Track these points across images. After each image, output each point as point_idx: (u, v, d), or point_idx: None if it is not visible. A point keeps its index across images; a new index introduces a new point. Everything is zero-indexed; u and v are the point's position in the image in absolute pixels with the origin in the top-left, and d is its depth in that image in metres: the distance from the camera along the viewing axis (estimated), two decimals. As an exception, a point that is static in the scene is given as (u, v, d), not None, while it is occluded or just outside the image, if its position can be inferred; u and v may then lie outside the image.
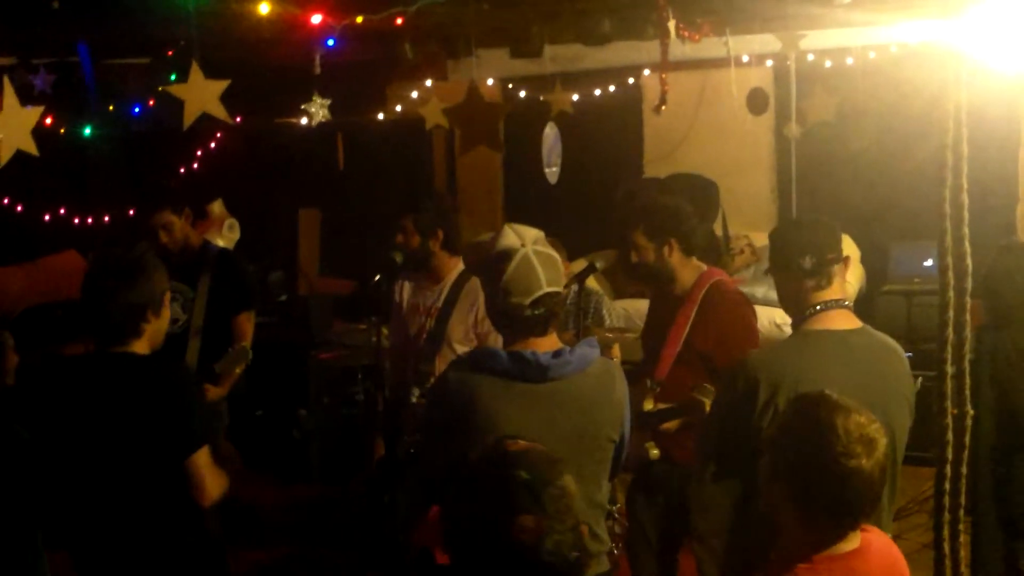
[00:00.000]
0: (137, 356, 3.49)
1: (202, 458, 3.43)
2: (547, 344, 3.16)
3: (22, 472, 3.90)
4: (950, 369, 1.93)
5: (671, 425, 4.29)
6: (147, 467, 3.37)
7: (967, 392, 1.94)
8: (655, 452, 4.51)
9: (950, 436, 1.89)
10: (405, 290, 5.28)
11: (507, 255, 3.12)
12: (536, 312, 3.11)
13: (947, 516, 1.89)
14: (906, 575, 2.72)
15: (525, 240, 3.14)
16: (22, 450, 3.88)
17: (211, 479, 3.45)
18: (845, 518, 2.57)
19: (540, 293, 3.10)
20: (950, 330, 1.90)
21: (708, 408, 4.19)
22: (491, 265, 3.17)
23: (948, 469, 1.91)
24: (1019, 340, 4.68)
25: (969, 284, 1.93)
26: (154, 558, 3.41)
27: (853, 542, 2.61)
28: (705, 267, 4.62)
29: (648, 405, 4.38)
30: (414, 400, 4.97)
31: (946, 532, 1.89)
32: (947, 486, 1.90)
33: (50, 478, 3.48)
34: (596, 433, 3.17)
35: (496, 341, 4.98)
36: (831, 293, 3.41)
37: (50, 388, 3.51)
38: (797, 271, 3.41)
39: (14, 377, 4.27)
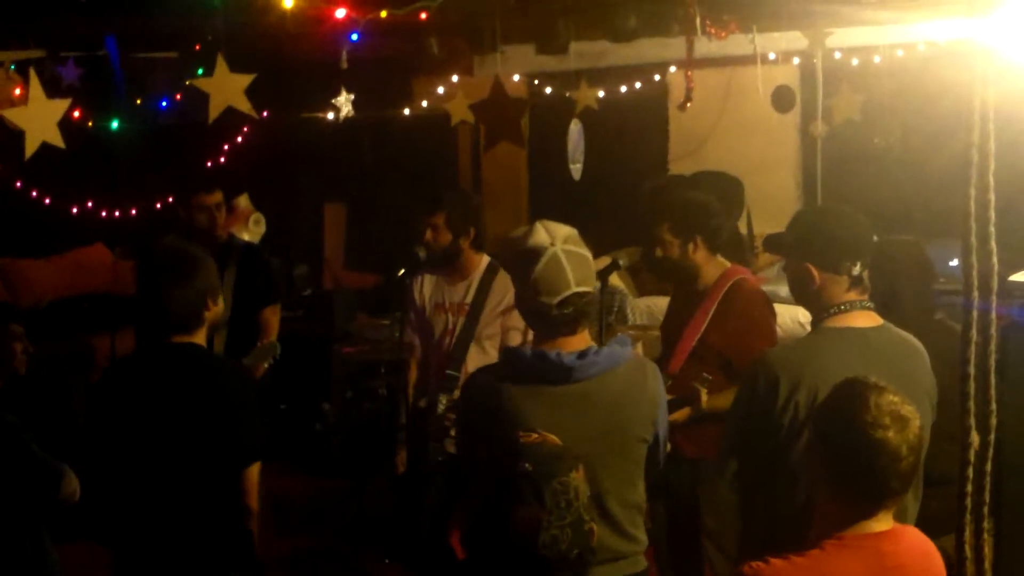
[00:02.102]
0: (210, 353, 3.55)
1: (255, 471, 3.45)
2: (576, 343, 3.12)
3: (18, 464, 3.94)
4: (973, 370, 1.92)
5: (678, 417, 4.28)
6: (206, 467, 3.38)
7: (992, 392, 1.93)
8: (666, 446, 4.52)
9: (974, 437, 1.89)
10: (426, 288, 5.25)
11: (537, 253, 3.08)
12: (564, 312, 3.07)
13: (969, 517, 1.88)
14: (940, 567, 2.73)
15: (556, 238, 3.10)
16: (15, 440, 3.93)
17: (256, 494, 3.49)
18: (873, 492, 2.60)
19: (568, 293, 3.06)
20: (974, 331, 1.90)
21: (704, 396, 4.21)
22: (520, 262, 3.13)
23: (971, 471, 1.90)
24: None
25: (995, 284, 1.92)
26: (197, 556, 3.41)
27: (884, 523, 2.64)
28: (728, 264, 4.61)
29: None
30: (441, 409, 4.95)
31: (969, 533, 1.88)
32: (970, 487, 1.89)
33: (105, 469, 3.51)
34: (626, 433, 3.13)
35: (516, 338, 5.03)
36: (858, 294, 3.39)
37: (123, 379, 3.55)
38: (844, 274, 3.35)
39: (26, 367, 4.30)
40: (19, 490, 3.94)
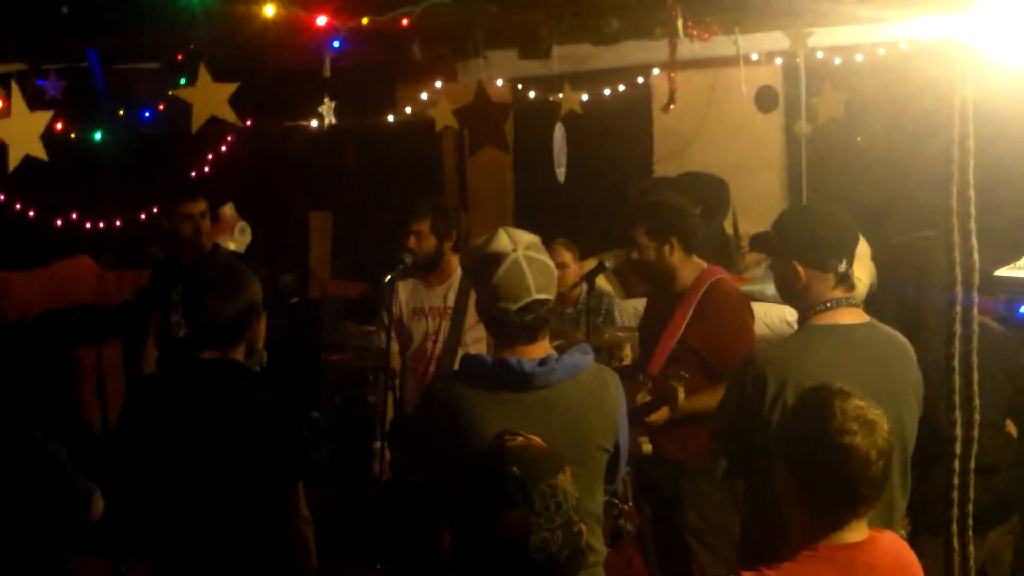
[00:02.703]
0: (250, 372, 3.51)
1: (297, 492, 3.44)
2: (535, 352, 3.11)
3: (52, 486, 3.90)
4: (958, 365, 1.92)
5: (658, 418, 4.31)
6: (246, 486, 3.35)
7: (975, 388, 1.94)
8: (647, 447, 4.54)
9: (959, 431, 1.89)
10: (402, 294, 5.25)
11: (497, 258, 3.08)
12: (525, 319, 3.07)
13: (956, 512, 1.89)
14: (918, 574, 2.71)
15: (518, 245, 3.09)
16: (48, 461, 3.89)
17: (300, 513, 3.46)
18: (844, 500, 2.58)
19: (529, 300, 3.06)
20: (957, 325, 1.90)
21: (681, 395, 4.22)
22: (481, 267, 3.12)
23: (957, 464, 1.91)
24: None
25: (976, 279, 1.93)
26: (240, 566, 3.38)
27: (859, 533, 2.62)
28: (705, 265, 4.63)
29: (641, 399, 4.41)
30: None
31: (955, 528, 1.89)
32: (956, 481, 1.90)
33: (142, 484, 3.47)
34: (586, 441, 3.12)
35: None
36: (844, 291, 3.40)
37: (160, 394, 3.50)
38: (830, 272, 3.37)
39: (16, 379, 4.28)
40: (50, 512, 3.91)
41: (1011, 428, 4.11)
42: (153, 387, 3.63)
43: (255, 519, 3.36)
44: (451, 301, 5.15)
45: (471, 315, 5.11)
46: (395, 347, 5.25)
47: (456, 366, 5.02)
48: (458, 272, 5.17)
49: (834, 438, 2.53)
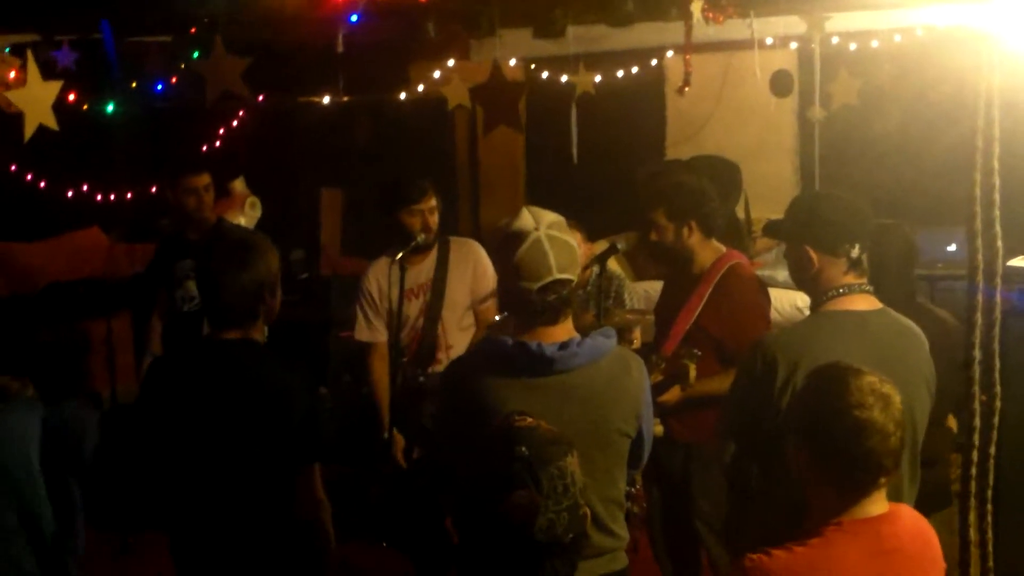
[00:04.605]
0: (268, 352, 3.43)
1: (316, 469, 3.37)
2: (557, 334, 3.08)
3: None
4: (978, 354, 1.91)
5: (670, 398, 4.28)
6: (263, 467, 3.30)
7: (996, 376, 1.93)
8: (659, 429, 4.53)
9: (977, 422, 1.88)
10: (382, 280, 5.23)
11: (520, 236, 3.05)
12: (546, 299, 3.04)
13: (973, 502, 1.88)
14: (936, 546, 2.74)
15: (540, 223, 3.06)
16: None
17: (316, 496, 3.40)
18: (866, 472, 2.60)
19: (550, 279, 3.03)
20: (979, 314, 1.89)
21: (693, 372, 4.21)
22: (504, 246, 3.10)
23: (975, 455, 1.89)
24: None
25: (999, 268, 1.92)
26: (256, 546, 3.35)
27: (880, 505, 2.64)
28: (724, 249, 4.61)
29: (654, 380, 4.38)
30: (421, 380, 5.10)
31: (972, 517, 1.88)
32: (974, 471, 1.89)
33: (160, 463, 3.43)
34: (606, 427, 3.10)
35: (491, 313, 5.08)
36: (856, 277, 3.39)
37: (172, 375, 3.46)
38: (843, 257, 3.36)
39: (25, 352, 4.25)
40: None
41: (952, 423, 4.14)
42: (172, 367, 3.56)
43: (271, 500, 3.33)
44: (431, 274, 5.19)
45: (454, 284, 5.19)
46: (384, 337, 5.25)
47: (438, 336, 5.15)
48: (435, 247, 5.21)
49: (852, 412, 2.55)
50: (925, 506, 3.07)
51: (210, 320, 3.43)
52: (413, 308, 5.21)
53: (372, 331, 5.29)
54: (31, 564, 3.61)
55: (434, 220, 5.16)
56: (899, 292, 3.93)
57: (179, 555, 3.46)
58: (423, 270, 5.21)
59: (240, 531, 3.33)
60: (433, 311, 5.19)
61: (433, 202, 5.15)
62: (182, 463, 3.35)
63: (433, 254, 5.24)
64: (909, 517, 2.75)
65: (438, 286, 5.19)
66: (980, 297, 1.89)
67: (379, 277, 5.23)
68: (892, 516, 2.66)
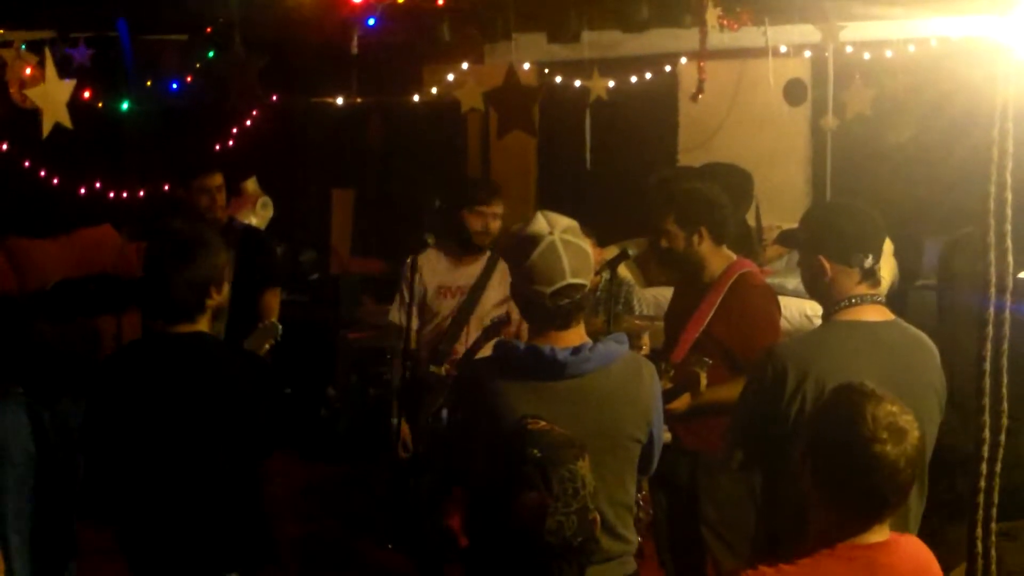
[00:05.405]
0: (218, 344, 3.46)
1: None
2: (570, 338, 3.08)
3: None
4: (988, 366, 1.91)
5: (678, 405, 4.27)
6: (214, 460, 3.32)
7: (1003, 390, 1.92)
8: (666, 436, 4.52)
9: (987, 434, 1.88)
10: (426, 273, 5.25)
11: (534, 240, 3.05)
12: (559, 303, 3.04)
13: (981, 515, 1.87)
14: None
15: (555, 227, 3.06)
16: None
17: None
18: (870, 506, 2.55)
19: (563, 283, 3.02)
20: (990, 327, 1.89)
21: (703, 380, 4.20)
22: (517, 249, 3.10)
23: (984, 467, 1.89)
24: None
25: (1010, 282, 1.92)
26: (205, 545, 3.37)
27: (880, 535, 2.59)
28: (735, 257, 4.60)
29: (663, 387, 4.38)
30: (432, 370, 5.13)
31: (979, 531, 1.87)
32: (983, 484, 1.89)
33: (109, 459, 3.44)
34: (618, 432, 3.09)
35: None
36: (869, 287, 3.39)
37: (124, 370, 3.46)
38: (856, 267, 3.36)
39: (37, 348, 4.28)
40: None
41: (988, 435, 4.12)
42: (123, 363, 3.55)
43: (230, 490, 3.35)
44: (476, 278, 5.21)
45: (491, 293, 5.20)
46: (414, 324, 5.26)
47: (459, 340, 5.16)
48: (487, 254, 5.22)
49: (863, 445, 2.47)
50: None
51: (158, 315, 3.43)
52: (446, 306, 5.24)
53: (404, 316, 5.29)
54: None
55: (496, 226, 5.21)
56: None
57: (130, 548, 3.46)
58: (467, 273, 5.25)
59: (197, 522, 3.34)
60: (463, 314, 5.22)
61: (499, 209, 5.22)
62: (136, 457, 3.35)
63: (483, 260, 5.27)
64: (909, 547, 2.67)
65: (476, 292, 5.23)
66: (992, 309, 1.89)
67: (424, 266, 5.25)
68: (890, 546, 2.60)
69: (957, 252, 5.36)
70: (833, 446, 2.56)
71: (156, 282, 3.39)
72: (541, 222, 3.09)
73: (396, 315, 5.31)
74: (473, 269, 5.25)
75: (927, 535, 2.94)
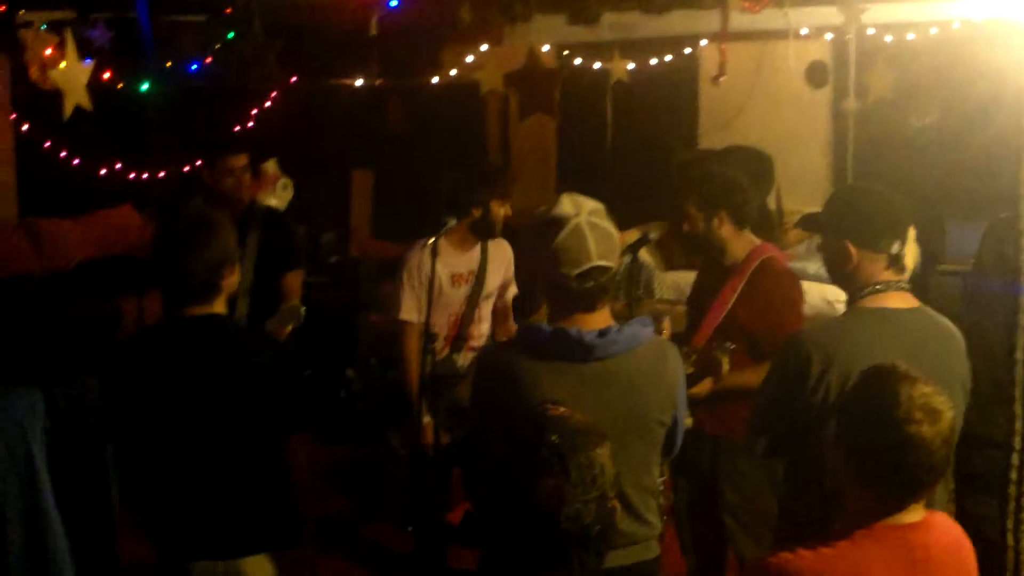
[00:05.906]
0: (233, 326, 3.44)
1: (296, 444, 3.36)
2: (595, 321, 3.05)
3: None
4: (1021, 355, 1.88)
5: (700, 390, 4.26)
6: (236, 439, 3.30)
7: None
8: (688, 421, 4.50)
9: (1020, 424, 1.86)
10: (436, 263, 5.22)
11: (559, 222, 3.02)
12: (585, 286, 3.01)
13: (1012, 505, 1.86)
14: (970, 559, 2.69)
15: (581, 210, 3.03)
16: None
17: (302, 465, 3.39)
18: (906, 487, 2.55)
19: (589, 265, 2.99)
20: (1022, 315, 1.86)
21: (726, 365, 4.18)
22: (542, 232, 3.06)
23: (1015, 458, 1.87)
24: None
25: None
26: (234, 523, 3.35)
27: (915, 515, 2.60)
28: (759, 241, 4.58)
29: (685, 372, 4.37)
30: (454, 357, 5.20)
31: (1010, 523, 1.86)
32: (1013, 475, 1.87)
33: (129, 443, 3.44)
34: (644, 415, 3.07)
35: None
36: (895, 273, 3.35)
37: (139, 354, 3.44)
38: (883, 253, 3.31)
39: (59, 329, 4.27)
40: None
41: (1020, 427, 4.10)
42: (140, 347, 3.53)
43: (249, 472, 3.33)
44: (476, 264, 5.28)
45: (491, 276, 5.30)
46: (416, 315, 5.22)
47: (473, 324, 5.23)
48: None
49: (899, 427, 2.48)
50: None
51: (171, 298, 3.42)
52: (459, 294, 5.24)
53: (420, 311, 5.23)
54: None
55: (505, 210, 5.24)
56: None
57: (155, 532, 3.44)
58: (470, 259, 5.25)
59: (221, 503, 3.33)
60: (474, 298, 5.27)
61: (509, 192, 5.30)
62: (154, 441, 3.34)
63: (479, 244, 5.28)
64: (944, 527, 2.69)
65: (480, 276, 5.27)
66: (1022, 298, 1.87)
67: (430, 259, 5.21)
68: (925, 525, 2.61)
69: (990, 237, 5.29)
70: (868, 428, 2.56)
71: (167, 266, 3.38)
72: (567, 204, 3.06)
73: (411, 312, 5.20)
74: (474, 254, 5.26)
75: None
